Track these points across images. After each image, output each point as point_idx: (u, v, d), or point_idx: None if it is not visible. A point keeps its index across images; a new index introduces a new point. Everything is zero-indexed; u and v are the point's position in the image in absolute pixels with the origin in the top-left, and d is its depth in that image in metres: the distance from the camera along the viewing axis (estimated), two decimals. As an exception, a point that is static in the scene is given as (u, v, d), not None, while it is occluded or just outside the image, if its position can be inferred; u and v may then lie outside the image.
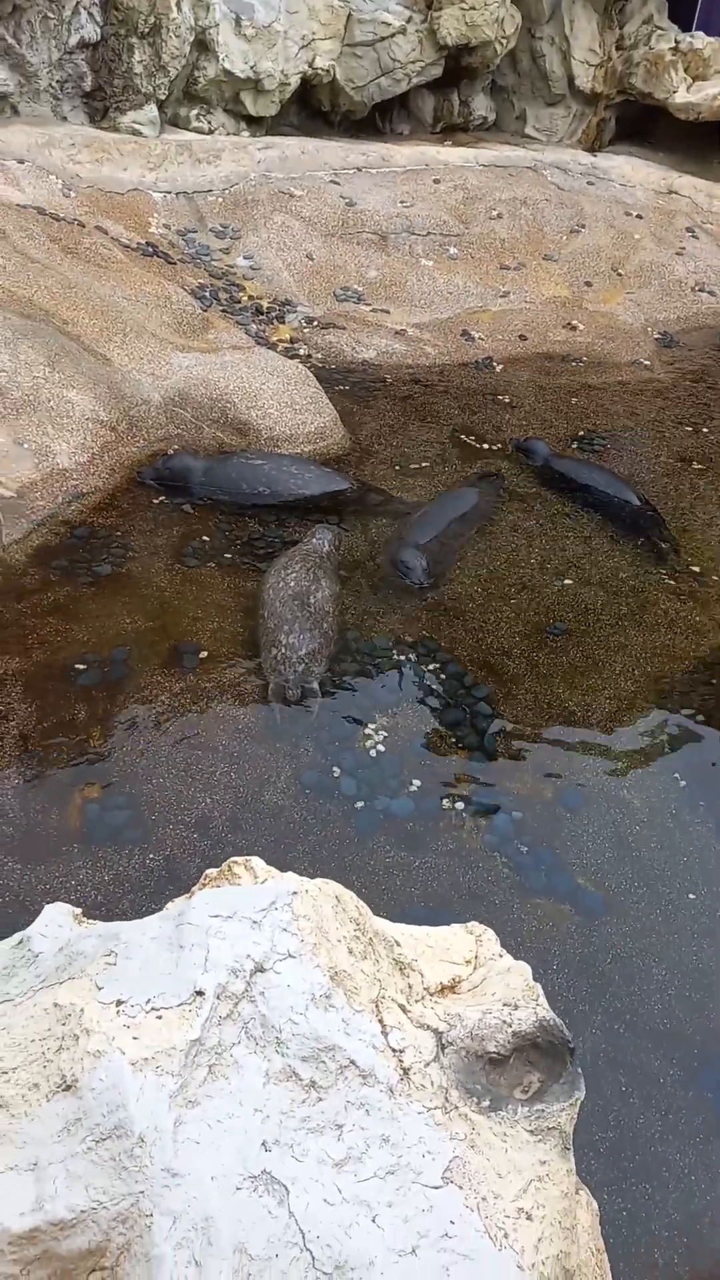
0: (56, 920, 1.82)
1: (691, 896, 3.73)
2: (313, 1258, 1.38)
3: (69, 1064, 1.48)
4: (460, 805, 3.93)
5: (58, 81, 8.46)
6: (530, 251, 8.99)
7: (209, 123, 9.23)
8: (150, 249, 7.55)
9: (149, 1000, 1.55)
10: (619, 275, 9.01)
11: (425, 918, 3.48)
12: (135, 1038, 1.49)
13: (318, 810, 3.82)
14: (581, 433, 6.84)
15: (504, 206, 9.29)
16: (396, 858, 3.72)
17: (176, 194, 8.28)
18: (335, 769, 3.99)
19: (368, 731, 4.17)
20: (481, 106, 10.90)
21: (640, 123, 11.40)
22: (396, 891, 3.61)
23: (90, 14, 8.30)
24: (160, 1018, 1.52)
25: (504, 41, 10.20)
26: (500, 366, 7.60)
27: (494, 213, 9.20)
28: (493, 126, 11.13)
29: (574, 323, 8.32)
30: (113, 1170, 1.40)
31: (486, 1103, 1.61)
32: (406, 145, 9.96)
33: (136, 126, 8.63)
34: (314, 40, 9.36)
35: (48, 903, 3.37)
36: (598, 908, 3.66)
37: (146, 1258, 1.37)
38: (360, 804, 3.87)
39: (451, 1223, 1.44)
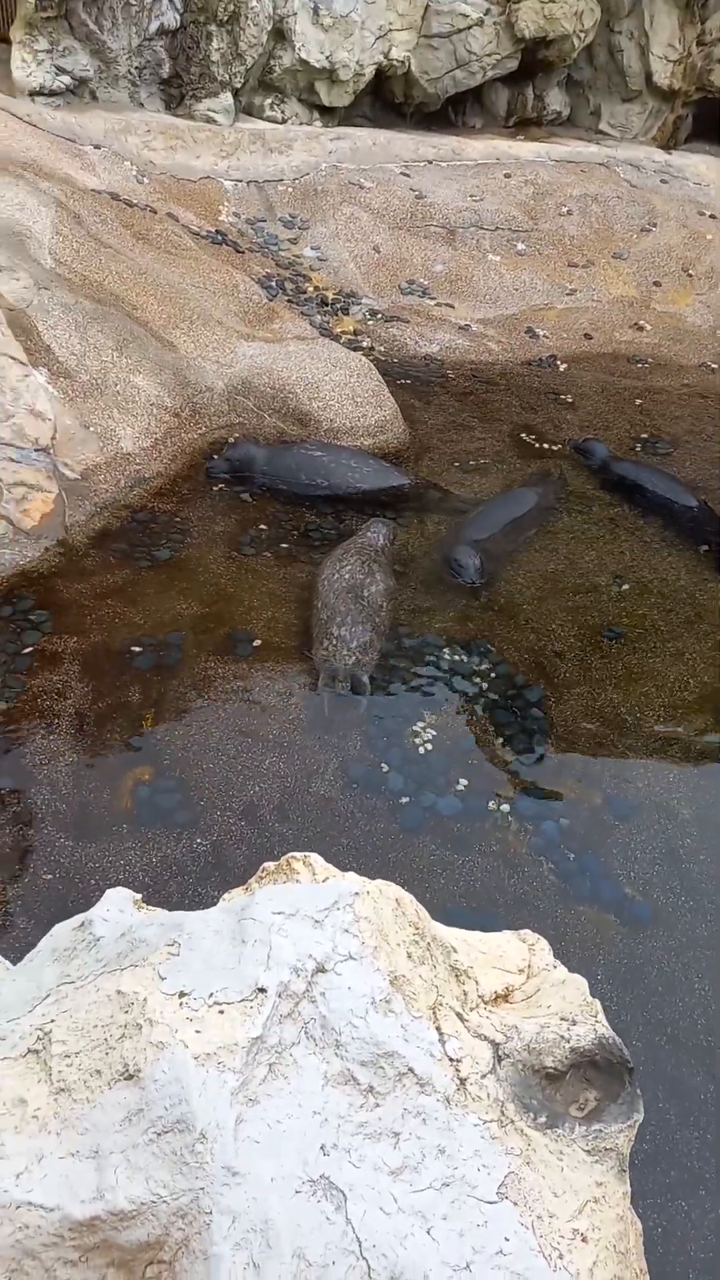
0: (118, 905, 1.83)
1: (741, 913, 3.67)
2: (369, 1267, 1.37)
3: (131, 1053, 1.49)
4: (507, 807, 3.90)
5: (136, 68, 8.50)
6: (599, 249, 8.87)
7: (282, 112, 9.22)
8: (219, 237, 7.57)
9: (211, 994, 1.55)
10: (689, 276, 8.86)
11: (468, 918, 3.47)
12: (198, 1031, 1.49)
13: (364, 804, 3.82)
14: (644, 435, 6.74)
15: (574, 203, 9.17)
16: (441, 856, 3.70)
17: (247, 183, 8.29)
18: (383, 764, 3.98)
19: (417, 728, 4.16)
20: (556, 101, 10.77)
21: (719, 120, 11.17)
22: (440, 890, 3.60)
23: (171, 1, 8.32)
24: (222, 1012, 1.52)
25: (582, 35, 10.05)
26: (564, 365, 7.52)
27: (564, 209, 9.09)
28: (566, 121, 10.99)
29: (641, 323, 8.20)
30: (174, 1164, 1.40)
31: (543, 1119, 1.59)
32: (478, 139, 9.87)
33: (211, 114, 8.64)
34: (390, 31, 9.30)
35: (96, 882, 3.43)
36: (644, 918, 3.62)
37: (205, 1255, 1.37)
38: (406, 800, 3.86)
39: (506, 1239, 1.43)
